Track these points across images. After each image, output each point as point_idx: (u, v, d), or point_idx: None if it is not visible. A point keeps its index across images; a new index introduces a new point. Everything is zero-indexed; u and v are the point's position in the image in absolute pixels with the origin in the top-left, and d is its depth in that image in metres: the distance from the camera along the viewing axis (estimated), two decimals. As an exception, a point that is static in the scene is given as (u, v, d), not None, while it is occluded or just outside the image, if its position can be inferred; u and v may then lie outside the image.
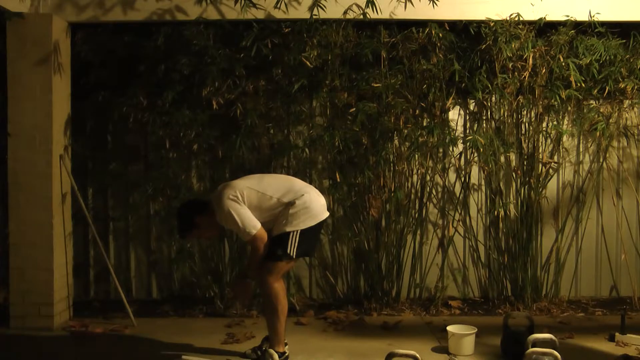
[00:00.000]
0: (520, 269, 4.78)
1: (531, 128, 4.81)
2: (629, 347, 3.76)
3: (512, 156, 4.86)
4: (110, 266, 4.55)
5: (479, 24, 4.49)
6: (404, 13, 4.39)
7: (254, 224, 3.36)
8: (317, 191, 3.53)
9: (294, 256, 3.41)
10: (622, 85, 4.57)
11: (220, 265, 4.81)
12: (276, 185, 3.49)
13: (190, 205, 3.60)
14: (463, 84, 4.61)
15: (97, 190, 4.99)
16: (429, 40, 4.50)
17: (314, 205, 3.45)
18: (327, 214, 3.55)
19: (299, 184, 3.54)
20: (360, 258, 4.83)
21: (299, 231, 3.39)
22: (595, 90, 4.64)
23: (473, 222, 5.00)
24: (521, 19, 4.42)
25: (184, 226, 3.53)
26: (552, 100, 4.61)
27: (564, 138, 4.94)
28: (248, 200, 3.39)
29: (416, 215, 4.87)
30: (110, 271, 4.50)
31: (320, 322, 4.38)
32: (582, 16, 4.43)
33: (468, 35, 4.57)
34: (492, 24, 4.43)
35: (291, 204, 3.40)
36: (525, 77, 4.56)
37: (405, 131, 4.66)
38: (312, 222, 3.43)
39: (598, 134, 4.76)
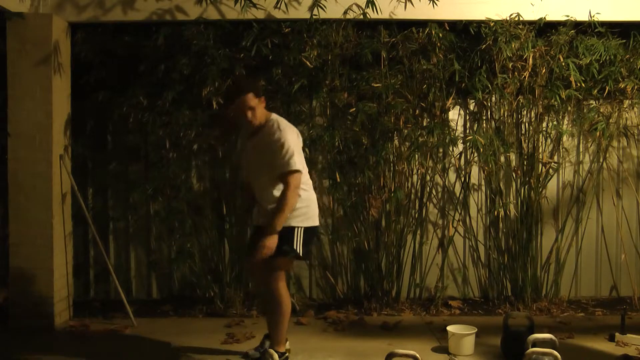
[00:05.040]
0: (520, 269, 4.78)
1: (531, 128, 4.81)
2: (629, 347, 3.76)
3: (512, 156, 4.86)
4: (110, 266, 4.55)
5: (479, 24, 4.49)
6: (404, 13, 4.39)
7: (302, 165, 3.31)
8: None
9: (301, 254, 3.35)
10: (622, 85, 4.57)
11: (220, 265, 4.81)
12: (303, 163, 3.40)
13: (252, 84, 3.43)
14: (463, 84, 4.62)
15: (97, 190, 4.99)
16: (429, 40, 4.50)
17: (314, 206, 3.44)
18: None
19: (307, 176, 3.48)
20: (360, 258, 4.83)
21: (302, 228, 3.35)
22: (595, 90, 4.64)
23: (473, 222, 5.00)
24: (521, 19, 4.42)
25: (233, 94, 3.35)
26: (552, 100, 4.61)
27: (564, 138, 4.94)
28: None
29: (416, 215, 4.87)
30: (110, 271, 4.50)
31: (320, 322, 4.38)
32: (582, 16, 4.43)
33: (468, 35, 4.57)
34: (492, 24, 4.43)
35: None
36: (525, 77, 4.56)
37: (405, 131, 4.66)
38: (312, 223, 3.42)
39: (598, 134, 4.76)
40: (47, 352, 3.77)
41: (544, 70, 4.57)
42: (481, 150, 4.68)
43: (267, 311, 3.57)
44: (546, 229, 4.96)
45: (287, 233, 3.33)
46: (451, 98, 4.68)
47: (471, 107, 4.95)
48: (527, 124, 4.83)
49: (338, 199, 4.73)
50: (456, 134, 4.83)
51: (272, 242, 3.24)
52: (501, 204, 4.76)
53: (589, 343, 3.87)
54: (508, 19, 4.43)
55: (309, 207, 3.40)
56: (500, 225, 4.88)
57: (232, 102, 3.33)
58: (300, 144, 3.45)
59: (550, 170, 4.88)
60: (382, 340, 3.93)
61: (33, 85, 4.22)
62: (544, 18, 4.42)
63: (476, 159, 4.91)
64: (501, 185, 4.88)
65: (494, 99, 4.83)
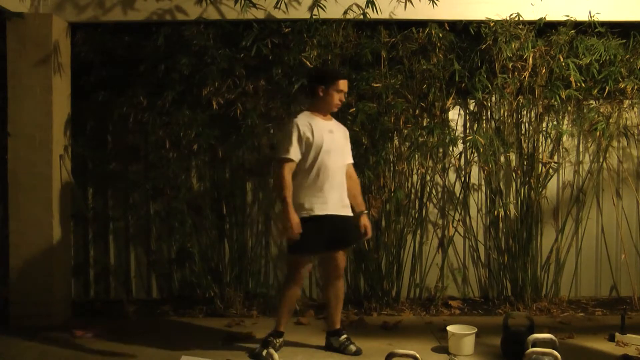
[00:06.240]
0: (520, 269, 4.78)
1: (531, 128, 4.81)
2: (629, 347, 3.76)
3: (512, 156, 4.85)
4: (110, 266, 4.55)
5: (479, 24, 4.49)
6: (404, 13, 4.39)
7: None
8: None
9: None
10: (622, 85, 4.56)
11: (220, 265, 4.82)
12: None
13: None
14: (463, 84, 4.62)
15: (97, 190, 4.99)
16: (429, 40, 4.50)
17: None
18: None
19: None
20: (360, 258, 4.82)
21: None
22: (595, 90, 4.64)
23: (473, 222, 5.00)
24: (521, 19, 4.42)
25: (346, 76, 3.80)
26: (552, 100, 4.61)
27: (564, 138, 4.93)
28: None
29: (416, 215, 4.87)
30: (110, 271, 4.50)
31: (320, 322, 4.37)
32: (582, 16, 4.43)
33: (468, 35, 4.57)
34: (492, 24, 4.44)
35: None
36: (525, 77, 4.56)
37: (405, 131, 4.66)
38: None
39: (598, 134, 4.76)
40: (47, 351, 3.77)
41: (544, 70, 4.57)
42: (481, 150, 4.68)
43: (340, 296, 3.80)
44: (546, 229, 4.96)
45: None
46: (451, 98, 4.68)
47: (471, 107, 4.95)
48: (527, 124, 4.83)
49: (338, 199, 4.72)
50: (456, 134, 4.82)
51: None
52: (501, 204, 4.76)
53: (589, 343, 3.87)
54: (508, 19, 4.43)
55: None
56: (500, 225, 4.87)
57: (341, 79, 3.66)
58: None
59: (550, 170, 4.88)
60: (382, 340, 3.93)
61: (33, 85, 4.22)
62: (544, 18, 4.42)
63: (476, 159, 4.91)
64: (501, 185, 4.88)
65: (494, 99, 4.83)
